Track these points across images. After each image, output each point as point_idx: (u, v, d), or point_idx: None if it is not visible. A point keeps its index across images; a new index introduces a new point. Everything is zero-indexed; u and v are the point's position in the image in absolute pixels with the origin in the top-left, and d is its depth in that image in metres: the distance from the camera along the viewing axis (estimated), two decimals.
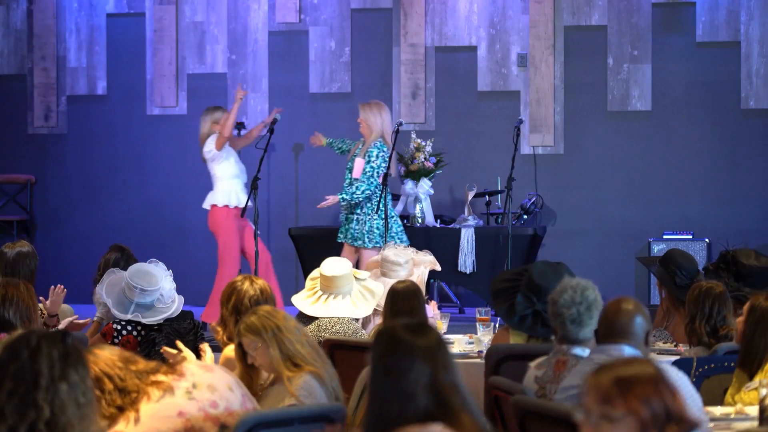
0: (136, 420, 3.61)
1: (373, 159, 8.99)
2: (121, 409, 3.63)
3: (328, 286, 6.06)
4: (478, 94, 11.12)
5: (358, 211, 9.10)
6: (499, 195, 10.51)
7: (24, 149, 11.82)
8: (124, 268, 5.92)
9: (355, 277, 6.17)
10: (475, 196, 10.23)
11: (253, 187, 9.50)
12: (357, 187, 8.95)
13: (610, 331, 4.07)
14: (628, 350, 4.02)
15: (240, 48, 11.48)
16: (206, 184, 11.51)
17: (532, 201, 10.57)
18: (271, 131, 9.84)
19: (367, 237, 9.05)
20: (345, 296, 6.06)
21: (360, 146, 9.17)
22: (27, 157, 11.80)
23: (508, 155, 9.71)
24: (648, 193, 10.86)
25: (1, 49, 11.90)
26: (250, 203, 9.44)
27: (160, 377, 3.71)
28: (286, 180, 11.33)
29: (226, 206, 9.58)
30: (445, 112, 11.18)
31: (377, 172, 8.98)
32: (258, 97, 11.46)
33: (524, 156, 10.84)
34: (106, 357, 3.69)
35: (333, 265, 6.16)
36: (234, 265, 9.57)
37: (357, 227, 9.10)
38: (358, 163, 9.00)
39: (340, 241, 9.21)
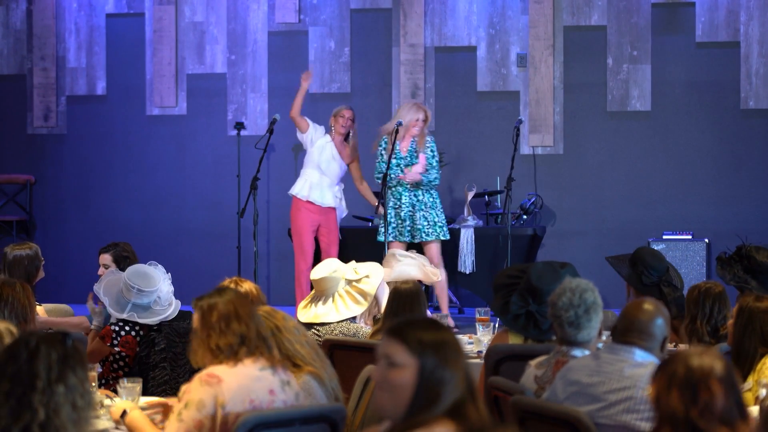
0: (234, 367, 3.81)
1: (435, 152, 9.33)
2: (232, 350, 3.84)
3: (317, 290, 6.09)
4: (477, 95, 11.12)
5: (422, 207, 9.20)
6: (499, 195, 10.51)
7: (23, 149, 11.82)
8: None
9: (347, 278, 6.14)
10: (474, 196, 10.23)
11: (252, 187, 9.51)
12: (435, 177, 9.29)
13: (628, 329, 4.07)
14: (639, 353, 4.01)
15: (239, 48, 11.48)
16: (205, 184, 11.53)
17: (532, 201, 10.57)
18: (270, 131, 9.85)
19: (441, 229, 9.23)
20: (327, 300, 6.06)
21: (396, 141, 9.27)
22: (26, 157, 11.80)
23: (508, 155, 9.71)
24: (648, 193, 10.86)
25: (0, 49, 11.89)
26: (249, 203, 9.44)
27: (272, 357, 3.91)
28: (285, 180, 11.32)
29: (295, 196, 9.65)
30: (444, 113, 11.19)
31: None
32: (257, 97, 11.46)
33: (524, 156, 10.84)
34: (241, 304, 3.94)
35: (317, 269, 6.18)
36: (297, 257, 9.56)
37: (427, 222, 9.16)
38: (422, 158, 9.22)
39: (402, 240, 9.15)
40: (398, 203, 9.21)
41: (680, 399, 2.91)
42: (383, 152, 9.22)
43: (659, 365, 3.06)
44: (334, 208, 9.60)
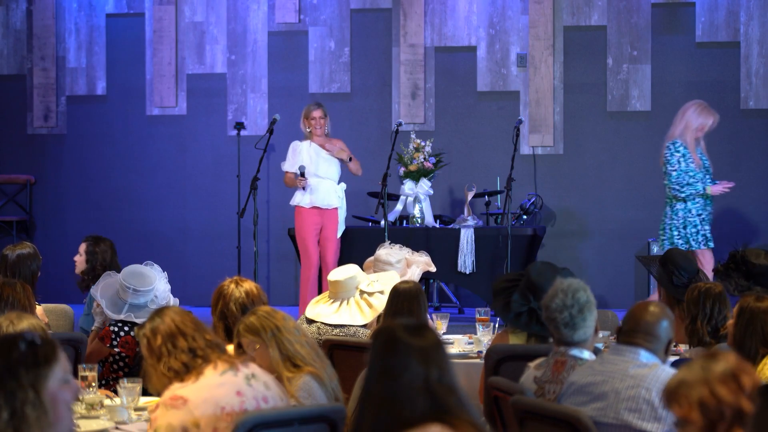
0: (195, 382, 3.76)
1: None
2: (187, 368, 3.79)
3: (331, 290, 6.08)
4: (477, 95, 11.12)
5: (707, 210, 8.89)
6: (499, 195, 10.51)
7: (23, 149, 11.82)
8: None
9: (361, 289, 6.13)
10: (474, 197, 10.23)
11: (252, 187, 9.50)
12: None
13: (633, 329, 4.06)
14: (644, 354, 4.01)
15: (239, 48, 11.48)
16: (205, 184, 11.53)
17: (532, 201, 10.57)
18: (270, 131, 9.84)
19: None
20: (336, 302, 6.05)
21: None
22: (26, 158, 11.80)
23: (508, 155, 9.71)
24: (648, 193, 10.86)
25: (0, 49, 11.89)
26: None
27: (229, 357, 3.88)
28: None
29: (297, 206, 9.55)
30: (444, 113, 11.19)
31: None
32: (257, 97, 11.47)
33: (524, 156, 10.84)
34: (181, 319, 3.87)
35: (336, 271, 6.18)
36: (303, 264, 9.51)
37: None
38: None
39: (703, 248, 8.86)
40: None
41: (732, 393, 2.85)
42: (682, 159, 8.79)
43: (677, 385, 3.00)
44: (336, 209, 9.55)
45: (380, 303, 6.05)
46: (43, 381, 2.70)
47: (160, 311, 3.94)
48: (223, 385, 3.78)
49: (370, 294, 6.10)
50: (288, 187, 9.65)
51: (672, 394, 2.79)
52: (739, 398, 2.75)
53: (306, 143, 9.52)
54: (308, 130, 9.52)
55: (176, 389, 3.76)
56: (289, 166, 9.51)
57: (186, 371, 3.78)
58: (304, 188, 9.40)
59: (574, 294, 4.30)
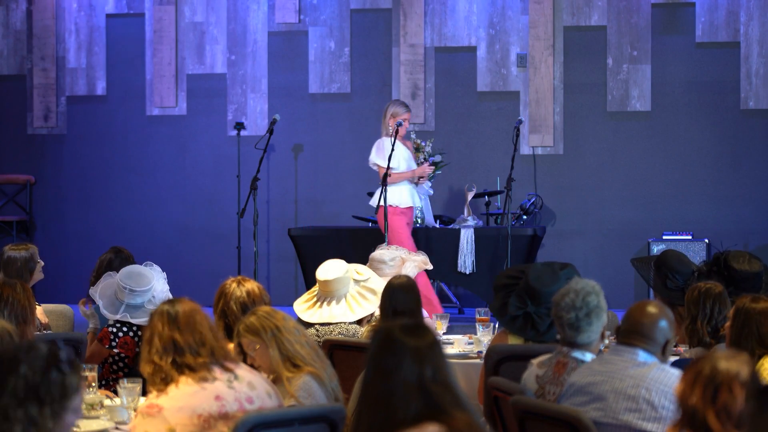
0: (172, 391, 3.78)
1: None
2: (152, 378, 3.82)
3: (324, 290, 6.04)
4: (477, 95, 11.12)
5: None
6: (499, 195, 10.51)
7: (23, 149, 11.82)
8: (119, 269, 5.94)
9: (354, 279, 6.13)
10: (474, 197, 10.23)
11: (252, 187, 9.50)
12: None
13: (631, 330, 4.08)
14: (642, 354, 4.02)
15: (239, 48, 11.48)
16: (205, 184, 11.53)
17: (532, 201, 10.57)
18: (270, 132, 9.84)
19: None
20: (340, 300, 6.02)
21: None
22: (26, 158, 11.80)
23: (508, 155, 9.71)
24: (647, 194, 10.86)
25: (0, 49, 11.89)
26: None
27: (205, 369, 3.87)
28: (285, 180, 11.33)
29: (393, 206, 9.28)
30: (444, 113, 11.18)
31: None
32: (257, 97, 11.46)
33: (524, 156, 10.84)
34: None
35: (326, 269, 6.12)
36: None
37: None
38: None
39: None
40: None
41: (701, 397, 2.92)
42: None
43: (689, 363, 3.06)
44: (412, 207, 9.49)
45: (379, 286, 6.06)
46: (63, 414, 2.71)
47: (173, 303, 3.94)
48: (199, 392, 3.80)
49: (365, 281, 6.09)
50: (392, 182, 9.15)
51: (707, 381, 2.86)
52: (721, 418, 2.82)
53: (389, 141, 9.19)
54: (391, 128, 9.18)
55: (153, 398, 3.81)
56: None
57: (162, 381, 3.81)
58: (420, 179, 9.32)
59: (585, 297, 4.29)
